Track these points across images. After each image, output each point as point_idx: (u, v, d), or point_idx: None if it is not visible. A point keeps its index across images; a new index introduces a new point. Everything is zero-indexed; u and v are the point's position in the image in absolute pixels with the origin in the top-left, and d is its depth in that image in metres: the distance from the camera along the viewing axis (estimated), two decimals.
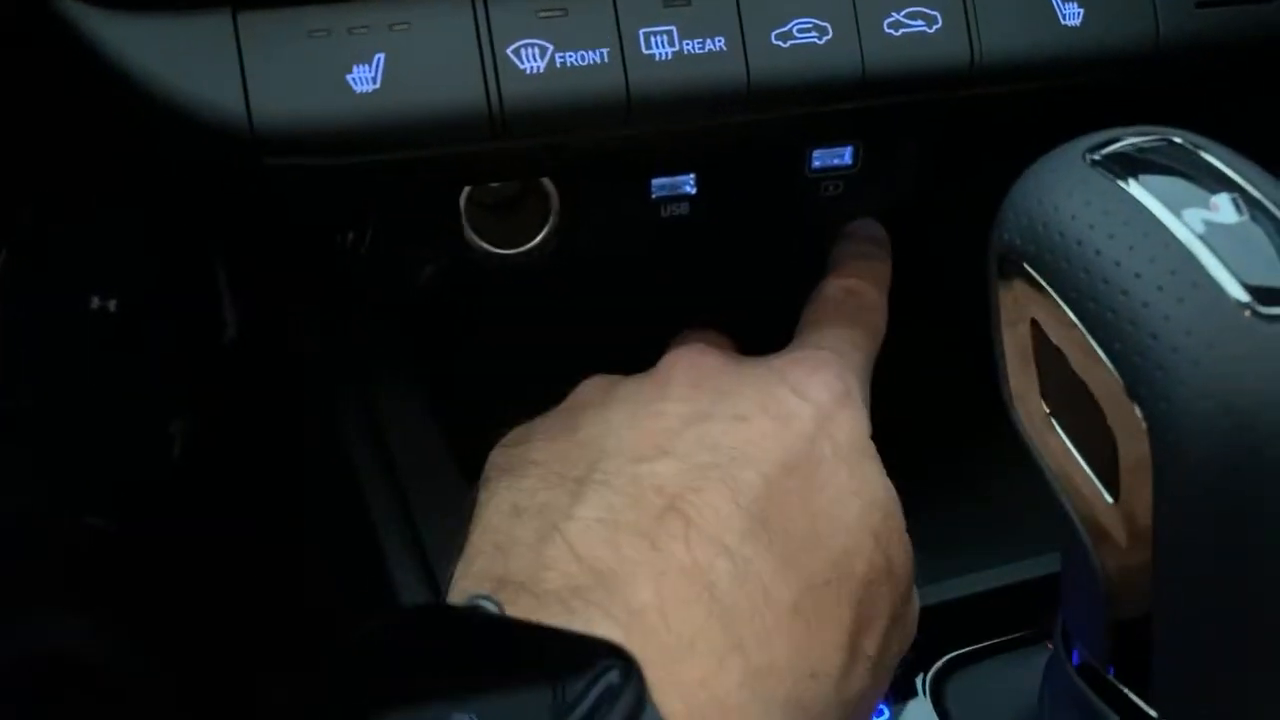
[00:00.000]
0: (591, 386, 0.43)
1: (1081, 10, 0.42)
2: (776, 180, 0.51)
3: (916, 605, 0.41)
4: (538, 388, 0.42)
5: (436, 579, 0.47)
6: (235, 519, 0.61)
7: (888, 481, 0.40)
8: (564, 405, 0.42)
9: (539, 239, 0.48)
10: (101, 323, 0.55)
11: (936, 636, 0.46)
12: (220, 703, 0.59)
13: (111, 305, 0.55)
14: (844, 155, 0.50)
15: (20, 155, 0.48)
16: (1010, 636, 0.47)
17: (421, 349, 0.54)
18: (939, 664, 0.46)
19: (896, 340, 0.59)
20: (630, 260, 0.55)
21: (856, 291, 0.46)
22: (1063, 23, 0.42)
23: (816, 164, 0.50)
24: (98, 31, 0.34)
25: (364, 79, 0.35)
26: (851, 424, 0.40)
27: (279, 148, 0.35)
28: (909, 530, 0.39)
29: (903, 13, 0.40)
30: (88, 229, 0.55)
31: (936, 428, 0.56)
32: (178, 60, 0.34)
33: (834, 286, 0.46)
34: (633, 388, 0.41)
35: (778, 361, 0.41)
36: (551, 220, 0.48)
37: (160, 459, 0.58)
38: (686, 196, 0.49)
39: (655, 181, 0.48)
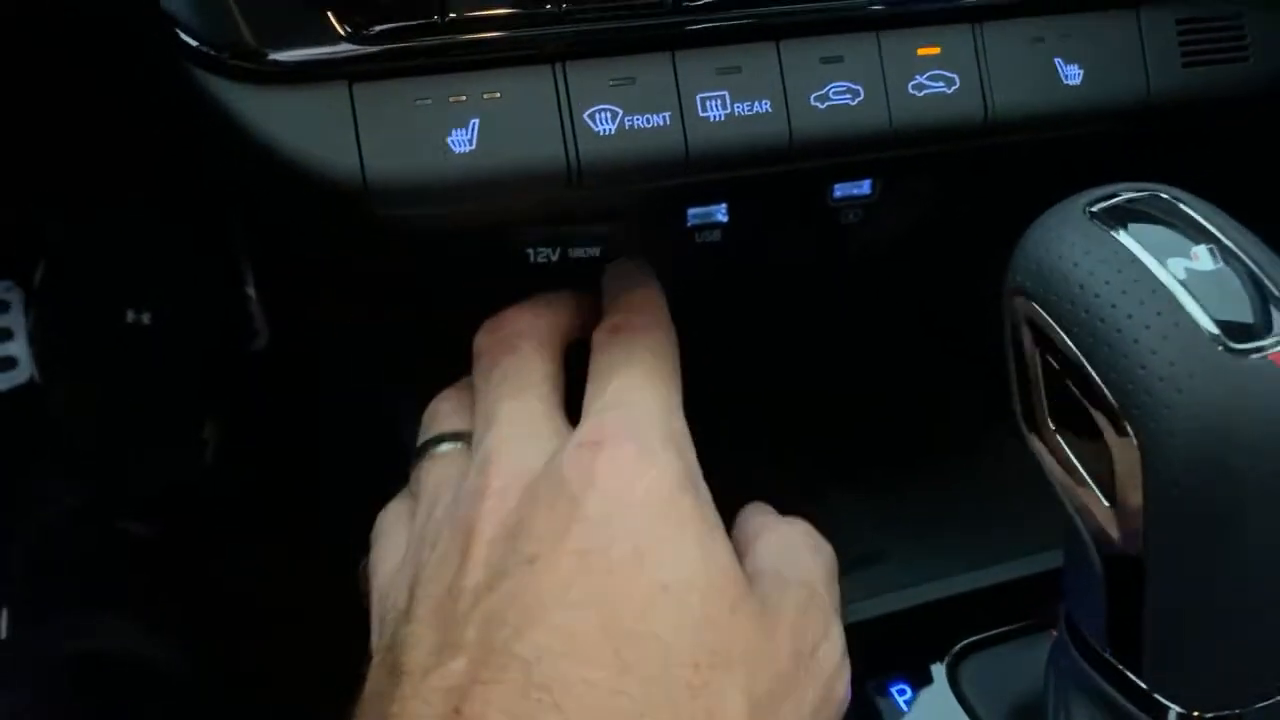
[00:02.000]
0: (393, 533, 0.41)
1: (1081, 71, 0.44)
2: (801, 208, 0.52)
3: (832, 656, 0.37)
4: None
5: None
6: (264, 521, 0.61)
7: (710, 545, 0.35)
8: (379, 574, 0.39)
9: None
10: (136, 335, 0.56)
11: (953, 625, 0.48)
12: (253, 698, 0.60)
13: (145, 318, 0.56)
14: (863, 186, 0.51)
15: (58, 172, 0.50)
16: (1019, 624, 0.48)
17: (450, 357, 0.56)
18: (955, 649, 0.48)
19: (914, 355, 0.62)
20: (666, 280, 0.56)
21: (621, 327, 0.42)
22: (1065, 82, 0.44)
23: (838, 194, 0.51)
24: (232, 101, 0.37)
25: (461, 141, 0.38)
26: (650, 492, 0.35)
27: (388, 201, 0.38)
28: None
29: (925, 75, 0.43)
30: (121, 246, 0.56)
31: (953, 436, 0.57)
32: (302, 125, 0.37)
33: (600, 334, 0.42)
34: (436, 565, 0.36)
35: (562, 455, 0.37)
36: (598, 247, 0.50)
37: (193, 463, 0.60)
38: (719, 224, 0.50)
39: (691, 210, 0.49)
